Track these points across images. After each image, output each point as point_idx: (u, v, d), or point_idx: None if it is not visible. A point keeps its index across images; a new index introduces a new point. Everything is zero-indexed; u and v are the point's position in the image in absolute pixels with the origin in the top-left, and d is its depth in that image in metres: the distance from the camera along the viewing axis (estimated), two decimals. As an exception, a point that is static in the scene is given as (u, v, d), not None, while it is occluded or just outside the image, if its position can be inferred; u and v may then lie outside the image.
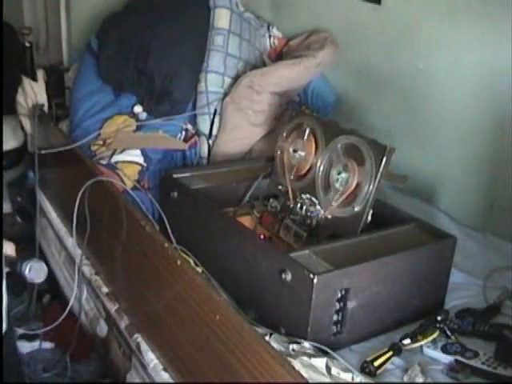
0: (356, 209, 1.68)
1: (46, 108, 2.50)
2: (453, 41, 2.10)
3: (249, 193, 2.00)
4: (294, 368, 1.17)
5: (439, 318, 1.53)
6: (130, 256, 1.78)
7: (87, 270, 2.01)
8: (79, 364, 2.25)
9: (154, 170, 2.30)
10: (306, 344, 1.42)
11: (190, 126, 2.45)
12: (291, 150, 1.92)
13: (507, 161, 1.99)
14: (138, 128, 2.40)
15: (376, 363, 1.41)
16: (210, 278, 1.70)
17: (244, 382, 1.26)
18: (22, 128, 2.54)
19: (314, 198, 1.81)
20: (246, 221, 1.93)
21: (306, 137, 1.87)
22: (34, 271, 1.52)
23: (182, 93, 2.42)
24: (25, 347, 2.23)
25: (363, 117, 2.44)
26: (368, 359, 1.42)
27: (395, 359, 1.45)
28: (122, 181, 2.14)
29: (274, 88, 2.39)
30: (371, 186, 1.66)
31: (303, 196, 1.84)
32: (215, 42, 2.47)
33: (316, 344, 1.43)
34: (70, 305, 2.01)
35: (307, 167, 1.86)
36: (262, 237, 1.84)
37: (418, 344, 1.48)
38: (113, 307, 1.84)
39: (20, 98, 2.48)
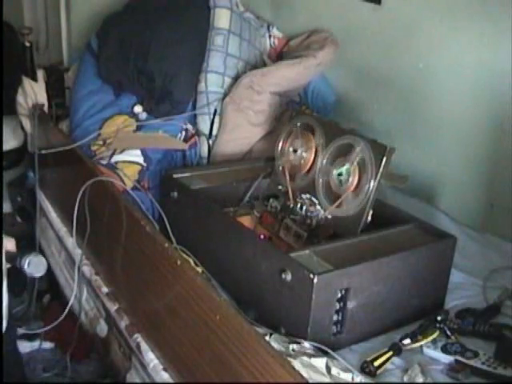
0: (356, 209, 1.68)
1: (45, 108, 2.50)
2: (453, 41, 2.10)
3: (249, 193, 2.00)
4: (294, 368, 1.17)
5: (439, 318, 1.53)
6: (130, 256, 1.78)
7: (87, 269, 2.01)
8: (79, 364, 2.25)
9: (154, 169, 2.30)
10: (306, 344, 1.42)
11: (189, 126, 2.45)
12: (291, 149, 1.92)
13: (507, 161, 1.99)
14: (138, 128, 2.40)
15: (376, 363, 1.41)
16: (210, 278, 1.70)
17: (244, 382, 1.26)
18: (22, 128, 2.54)
19: (313, 198, 1.81)
20: (246, 221, 1.93)
21: (305, 137, 1.87)
22: (34, 265, 1.52)
23: (182, 93, 2.42)
24: (25, 347, 2.23)
25: (363, 117, 2.44)
26: (368, 359, 1.42)
27: (395, 359, 1.45)
28: (122, 181, 2.14)
29: (274, 88, 2.39)
30: (371, 186, 1.66)
31: (303, 196, 1.84)
32: (215, 42, 2.47)
33: (316, 344, 1.43)
34: (69, 304, 2.01)
35: (307, 167, 1.86)
36: (262, 237, 1.84)
37: (417, 344, 1.48)
38: (113, 307, 1.84)
39: (20, 98, 2.48)
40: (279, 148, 1.96)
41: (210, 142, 2.40)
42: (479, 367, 1.40)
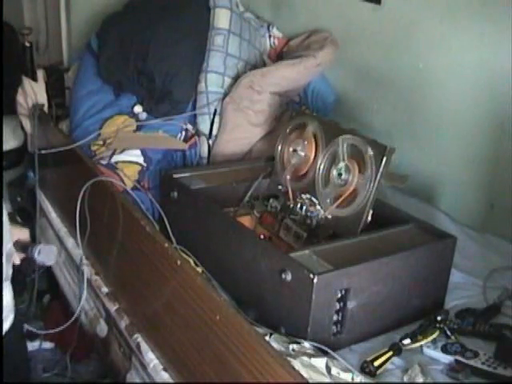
0: (356, 209, 1.68)
1: (45, 108, 2.50)
2: (453, 41, 2.10)
3: (249, 193, 2.00)
4: (294, 368, 1.17)
5: (439, 318, 1.53)
6: (130, 256, 1.78)
7: (87, 269, 2.01)
8: (79, 364, 2.25)
9: (154, 169, 2.30)
10: (306, 344, 1.42)
11: (189, 126, 2.45)
12: (291, 149, 1.92)
13: (507, 161, 1.99)
14: (138, 128, 2.40)
15: (376, 363, 1.41)
16: (210, 278, 1.70)
17: (244, 382, 1.26)
18: (22, 128, 2.55)
19: (313, 198, 1.81)
20: (246, 221, 1.93)
21: (305, 137, 1.87)
22: (44, 254, 1.53)
23: (182, 93, 2.42)
24: (25, 347, 2.23)
25: (363, 117, 2.44)
26: (368, 359, 1.42)
27: (395, 359, 1.45)
28: (122, 181, 2.14)
29: (274, 88, 2.39)
30: (371, 186, 1.66)
31: (303, 196, 1.84)
32: (215, 42, 2.47)
33: (316, 344, 1.43)
34: (78, 309, 1.99)
35: (307, 167, 1.86)
36: (262, 237, 1.84)
37: (418, 344, 1.48)
38: (113, 307, 1.84)
39: (20, 98, 2.48)
40: (279, 148, 1.96)
41: (210, 142, 2.40)
42: (479, 367, 1.40)
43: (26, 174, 2.64)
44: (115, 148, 2.30)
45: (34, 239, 2.26)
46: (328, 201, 1.76)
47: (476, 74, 2.06)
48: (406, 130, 2.31)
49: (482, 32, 2.00)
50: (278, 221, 1.87)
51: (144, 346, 1.66)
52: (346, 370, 1.36)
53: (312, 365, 1.34)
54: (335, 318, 1.48)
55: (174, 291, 1.54)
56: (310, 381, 1.26)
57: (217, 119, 2.41)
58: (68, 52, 3.01)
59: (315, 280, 1.39)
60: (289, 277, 1.45)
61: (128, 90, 2.47)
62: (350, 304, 1.48)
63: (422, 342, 1.48)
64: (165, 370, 1.58)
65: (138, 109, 2.44)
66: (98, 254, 1.98)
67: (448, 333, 1.51)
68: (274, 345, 1.38)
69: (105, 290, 1.91)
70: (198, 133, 2.43)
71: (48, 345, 2.32)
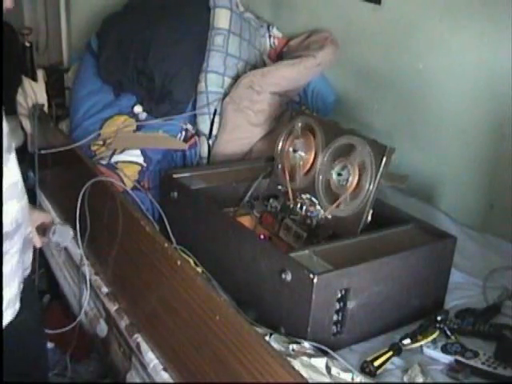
0: (356, 209, 1.68)
1: (45, 108, 2.50)
2: (453, 41, 2.10)
3: (249, 193, 2.00)
4: (293, 368, 1.17)
5: (439, 318, 1.53)
6: (130, 256, 1.78)
7: (87, 270, 2.01)
8: (79, 364, 2.25)
9: (154, 170, 2.30)
10: (306, 344, 1.42)
11: (189, 126, 2.45)
12: (291, 149, 1.92)
13: (507, 161, 1.99)
14: (138, 128, 2.40)
15: (376, 363, 1.41)
16: (210, 278, 1.70)
17: (244, 382, 1.26)
18: (22, 128, 2.54)
19: (313, 198, 1.81)
20: (246, 221, 1.93)
21: (305, 137, 1.87)
22: (59, 234, 1.55)
23: (182, 93, 2.42)
24: (25, 347, 2.23)
25: (363, 117, 2.44)
26: (368, 359, 1.42)
27: (395, 359, 1.45)
28: (122, 181, 2.14)
29: (274, 88, 2.39)
30: (371, 186, 1.66)
31: (303, 196, 1.84)
32: (215, 42, 2.47)
33: (316, 344, 1.42)
34: (82, 311, 1.99)
35: (307, 167, 1.86)
36: (262, 237, 1.84)
37: (418, 344, 1.48)
38: (113, 307, 1.84)
39: (20, 98, 2.48)
40: (279, 148, 1.96)
41: (210, 142, 2.40)
42: (479, 367, 1.40)
43: (26, 173, 2.63)
44: (115, 148, 2.30)
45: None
46: (328, 201, 1.76)
47: (476, 74, 2.06)
48: (406, 130, 2.31)
49: (482, 32, 2.00)
50: (278, 221, 1.87)
51: (144, 346, 1.66)
52: (346, 370, 1.36)
53: (312, 365, 1.34)
54: (335, 318, 1.48)
55: (173, 291, 1.54)
56: (310, 381, 1.26)
57: (217, 119, 2.41)
58: (68, 52, 3.01)
59: (315, 280, 1.39)
60: (289, 277, 1.45)
61: (128, 90, 2.48)
62: (350, 304, 1.48)
63: (422, 342, 1.48)
64: (165, 370, 1.58)
65: (137, 109, 2.44)
66: (98, 253, 1.98)
67: (448, 333, 1.51)
68: (274, 345, 1.38)
69: (105, 289, 1.91)
70: (197, 133, 2.43)
71: (48, 345, 2.31)
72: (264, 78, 2.36)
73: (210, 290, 1.42)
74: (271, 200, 1.95)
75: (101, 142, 2.35)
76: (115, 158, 2.26)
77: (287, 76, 2.40)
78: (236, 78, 2.45)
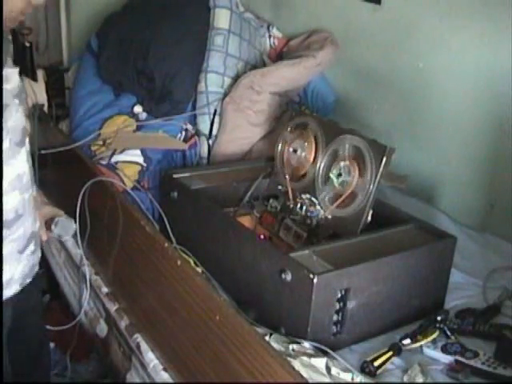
0: (356, 209, 1.68)
1: (45, 108, 2.50)
2: (453, 41, 2.10)
3: (249, 193, 2.00)
4: (293, 368, 1.17)
5: (439, 318, 1.53)
6: (129, 256, 1.78)
7: (87, 270, 2.01)
8: (79, 364, 2.25)
9: (154, 170, 2.30)
10: (306, 344, 1.42)
11: (189, 126, 2.45)
12: (291, 149, 1.92)
13: (507, 161, 1.99)
14: (138, 128, 2.40)
15: (376, 363, 1.41)
16: (210, 278, 1.70)
17: (244, 382, 1.26)
18: (22, 128, 2.54)
19: (313, 198, 1.81)
20: (246, 221, 1.93)
21: (305, 137, 1.87)
22: (61, 226, 1.55)
23: (182, 93, 2.42)
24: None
25: (363, 117, 2.44)
26: (368, 359, 1.42)
27: (395, 359, 1.45)
28: (122, 181, 2.14)
29: (274, 88, 2.39)
30: (371, 186, 1.66)
31: (303, 196, 1.84)
32: (215, 42, 2.47)
33: (316, 344, 1.43)
34: (82, 311, 1.99)
35: (307, 167, 1.86)
36: (262, 237, 1.84)
37: (417, 344, 1.48)
38: (113, 307, 1.84)
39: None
40: (279, 148, 1.96)
41: (210, 142, 2.40)
42: (479, 367, 1.40)
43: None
44: (115, 148, 2.30)
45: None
46: (328, 201, 1.76)
47: (476, 74, 2.06)
48: (406, 130, 2.31)
49: (483, 32, 2.00)
50: (278, 221, 1.87)
51: (144, 346, 1.66)
52: (346, 370, 1.36)
53: (312, 365, 1.34)
54: (335, 317, 1.48)
55: (173, 291, 1.54)
56: (310, 381, 1.26)
57: (217, 119, 2.41)
58: (68, 52, 3.02)
59: (315, 280, 1.39)
60: (289, 277, 1.45)
61: (128, 90, 2.48)
62: (350, 304, 1.48)
63: (422, 342, 1.48)
64: (165, 370, 1.58)
65: (137, 109, 2.45)
66: (98, 254, 1.98)
67: (448, 333, 1.51)
68: (274, 345, 1.38)
69: (105, 290, 1.91)
70: (197, 133, 2.43)
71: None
72: (264, 78, 2.36)
73: (210, 290, 1.42)
74: (271, 200, 1.95)
75: (101, 142, 2.34)
76: (115, 158, 2.26)
77: (287, 76, 2.40)
78: (236, 78, 2.45)
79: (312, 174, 1.83)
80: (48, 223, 1.56)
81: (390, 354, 1.44)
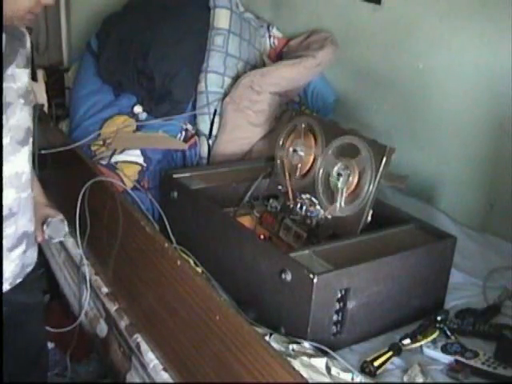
0: (356, 209, 1.68)
1: (45, 108, 2.50)
2: (453, 41, 2.10)
3: (249, 193, 2.00)
4: (294, 368, 1.17)
5: (439, 318, 1.53)
6: (129, 256, 1.78)
7: (87, 270, 2.01)
8: (79, 364, 2.25)
9: (154, 170, 2.30)
10: (306, 344, 1.42)
11: (189, 126, 2.45)
12: (291, 149, 1.91)
13: (507, 161, 1.99)
14: (138, 128, 2.40)
15: (376, 363, 1.41)
16: (210, 278, 1.70)
17: (244, 382, 1.26)
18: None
19: (313, 198, 1.81)
20: (246, 221, 1.93)
21: (305, 137, 1.87)
22: (52, 228, 1.54)
23: (182, 93, 2.42)
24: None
25: (363, 117, 2.44)
26: (368, 359, 1.42)
27: (395, 359, 1.45)
28: (122, 181, 2.14)
29: (274, 88, 2.39)
30: (371, 186, 1.66)
31: (303, 196, 1.84)
32: (215, 42, 2.47)
33: (316, 344, 1.43)
34: (82, 312, 1.99)
35: (307, 167, 1.86)
36: (261, 237, 1.84)
37: (417, 344, 1.48)
38: (113, 307, 1.84)
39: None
40: (279, 148, 1.96)
41: (210, 142, 2.40)
42: (479, 367, 1.40)
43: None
44: (115, 148, 2.30)
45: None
46: (328, 201, 1.76)
47: (476, 74, 2.06)
48: (406, 130, 2.31)
49: (482, 32, 2.00)
50: (278, 221, 1.87)
51: (144, 346, 1.66)
52: (346, 370, 1.36)
53: (312, 365, 1.34)
54: (335, 317, 1.48)
55: (173, 291, 1.54)
56: (310, 381, 1.26)
57: (217, 119, 2.41)
58: (68, 52, 3.02)
59: (315, 280, 1.39)
60: (289, 277, 1.45)
61: (128, 90, 2.48)
62: (350, 304, 1.48)
63: (422, 342, 1.48)
64: (165, 370, 1.58)
65: (137, 109, 2.45)
66: (98, 254, 1.98)
67: (448, 333, 1.51)
68: (274, 345, 1.38)
69: (105, 290, 1.91)
70: (197, 133, 2.43)
71: (48, 345, 2.31)
72: (264, 78, 2.36)
73: (210, 290, 1.42)
74: (271, 200, 1.95)
75: (101, 142, 2.34)
76: (115, 158, 2.26)
77: (287, 76, 2.40)
78: (236, 78, 2.45)
79: (312, 174, 1.83)
80: (42, 224, 1.55)
81: (390, 354, 1.44)
